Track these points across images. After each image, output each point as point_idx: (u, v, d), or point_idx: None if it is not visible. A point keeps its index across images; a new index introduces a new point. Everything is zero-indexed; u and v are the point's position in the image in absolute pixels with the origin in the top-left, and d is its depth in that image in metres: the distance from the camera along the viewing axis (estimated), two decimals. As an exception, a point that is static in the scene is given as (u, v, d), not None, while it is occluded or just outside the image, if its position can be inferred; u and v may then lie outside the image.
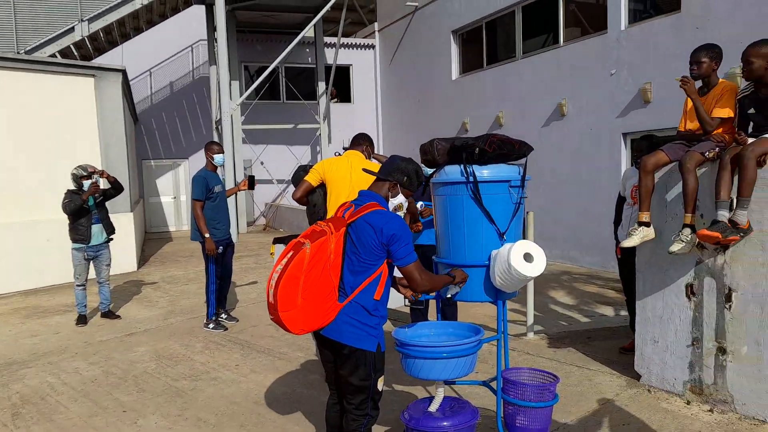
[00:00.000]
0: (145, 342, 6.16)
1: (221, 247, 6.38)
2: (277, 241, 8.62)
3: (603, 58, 9.91)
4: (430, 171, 4.28)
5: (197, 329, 6.54)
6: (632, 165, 5.06)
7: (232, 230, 6.87)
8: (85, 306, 7.10)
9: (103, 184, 7.16)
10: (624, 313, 6.63)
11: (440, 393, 3.13)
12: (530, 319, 5.73)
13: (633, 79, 9.38)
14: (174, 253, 12.80)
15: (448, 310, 5.11)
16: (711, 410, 3.89)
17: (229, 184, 14.25)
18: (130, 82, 15.69)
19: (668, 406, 4.02)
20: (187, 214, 17.49)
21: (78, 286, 6.99)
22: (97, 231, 6.89)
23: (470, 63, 13.99)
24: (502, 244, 3.27)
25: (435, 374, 2.98)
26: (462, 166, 3.36)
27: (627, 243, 4.04)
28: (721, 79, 4.05)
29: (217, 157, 6.45)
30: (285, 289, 2.69)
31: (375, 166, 5.69)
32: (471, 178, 3.31)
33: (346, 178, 4.85)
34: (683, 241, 3.79)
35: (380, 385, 2.93)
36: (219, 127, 15.70)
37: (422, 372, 2.99)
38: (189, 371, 5.21)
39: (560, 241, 10.64)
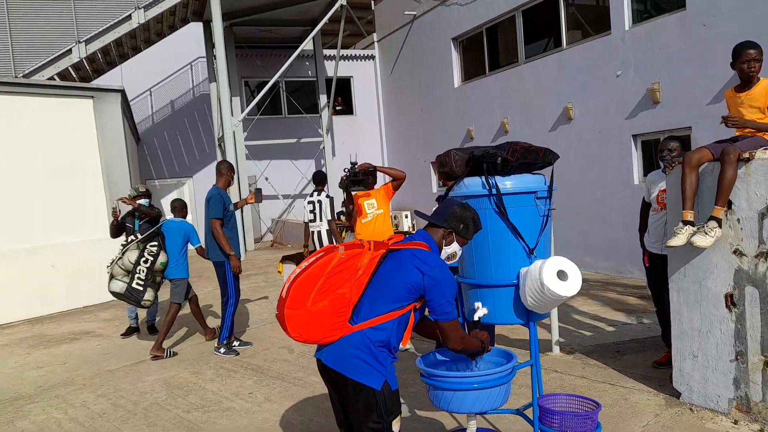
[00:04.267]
0: (154, 370, 5.94)
1: None
2: (285, 259, 8.43)
3: (608, 59, 9.73)
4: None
5: (207, 354, 6.32)
6: (658, 168, 4.82)
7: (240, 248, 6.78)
8: (134, 317, 7.40)
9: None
10: (647, 321, 6.39)
11: (472, 426, 2.89)
12: (555, 333, 5.49)
13: (640, 80, 9.18)
14: (180, 274, 12.56)
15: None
16: (761, 430, 3.64)
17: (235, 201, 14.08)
18: (131, 102, 15.58)
19: (714, 426, 3.77)
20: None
21: None
22: None
23: (472, 70, 13.83)
24: (532, 261, 3.05)
25: (467, 407, 2.75)
26: (483, 177, 3.15)
27: (673, 242, 3.76)
28: (762, 78, 3.89)
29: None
30: (301, 285, 2.50)
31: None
32: (494, 190, 3.10)
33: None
34: (708, 234, 3.58)
35: (396, 427, 2.59)
36: (222, 144, 15.54)
37: (452, 405, 2.76)
38: (200, 401, 4.98)
39: (573, 247, 10.40)
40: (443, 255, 2.77)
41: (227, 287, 6.16)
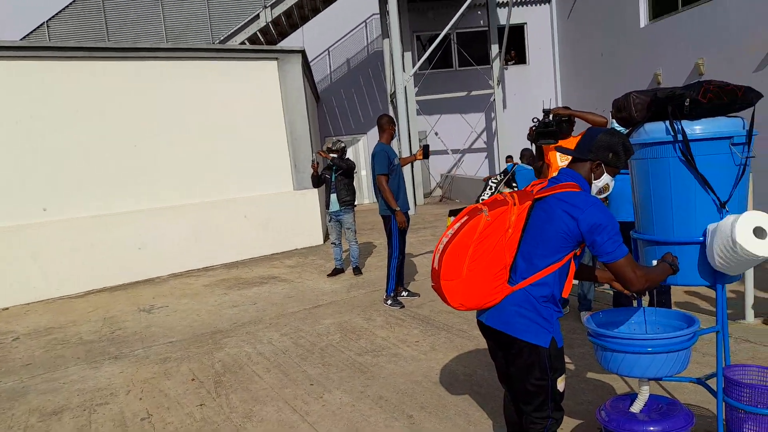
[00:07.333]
0: (330, 314, 6.36)
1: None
2: (452, 213, 8.43)
3: (839, -20, 8.18)
4: (624, 131, 3.76)
5: (378, 303, 6.62)
6: None
7: (410, 202, 6.95)
8: (339, 260, 8.33)
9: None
10: None
11: (644, 391, 2.68)
12: (749, 299, 4.89)
13: None
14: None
15: (662, 297, 4.53)
16: None
17: (405, 156, 14.35)
18: (311, 63, 16.39)
19: None
20: (368, 188, 18.03)
21: (332, 243, 8.35)
22: (333, 199, 8.01)
23: (661, 6, 12.48)
24: (723, 217, 2.70)
25: (638, 372, 2.55)
26: (667, 122, 2.82)
27: None
28: None
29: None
30: (451, 256, 2.41)
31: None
32: (680, 137, 2.77)
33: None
34: None
35: (560, 386, 2.50)
36: (393, 100, 15.85)
37: (622, 368, 2.58)
38: (370, 346, 5.24)
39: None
40: (594, 190, 2.56)
41: (392, 241, 6.35)
